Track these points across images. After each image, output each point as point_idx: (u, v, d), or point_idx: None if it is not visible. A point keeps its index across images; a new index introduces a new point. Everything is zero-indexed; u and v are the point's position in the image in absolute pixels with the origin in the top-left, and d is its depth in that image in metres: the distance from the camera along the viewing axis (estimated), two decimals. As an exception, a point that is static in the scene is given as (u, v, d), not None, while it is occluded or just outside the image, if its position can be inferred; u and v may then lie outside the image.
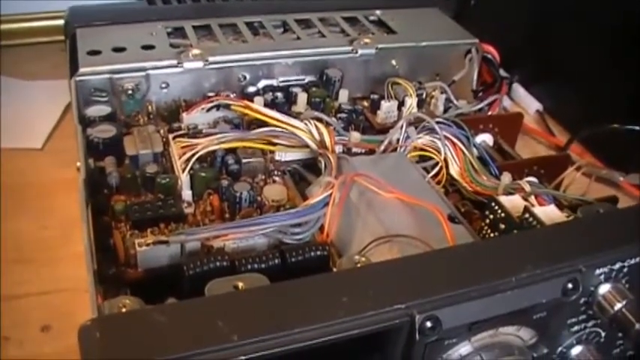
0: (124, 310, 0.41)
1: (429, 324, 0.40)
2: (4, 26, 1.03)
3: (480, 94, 0.78)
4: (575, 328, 0.48)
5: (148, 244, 0.49)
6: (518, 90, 0.96)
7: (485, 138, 0.69)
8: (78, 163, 0.55)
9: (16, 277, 0.64)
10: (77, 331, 0.36)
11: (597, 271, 0.45)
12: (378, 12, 0.82)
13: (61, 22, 0.96)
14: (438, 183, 0.62)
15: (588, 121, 0.82)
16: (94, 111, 0.64)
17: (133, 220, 0.53)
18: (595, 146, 0.83)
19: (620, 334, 0.50)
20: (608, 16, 0.82)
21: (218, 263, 0.47)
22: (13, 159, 0.80)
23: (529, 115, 0.92)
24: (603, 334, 0.49)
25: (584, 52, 0.86)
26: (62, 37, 0.93)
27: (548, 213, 0.53)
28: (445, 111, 0.73)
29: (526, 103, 0.94)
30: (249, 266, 0.47)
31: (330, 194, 0.53)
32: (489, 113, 0.75)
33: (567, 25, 0.89)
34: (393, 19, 0.81)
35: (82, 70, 0.65)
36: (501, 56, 0.81)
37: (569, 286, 0.44)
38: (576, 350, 0.49)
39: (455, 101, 0.73)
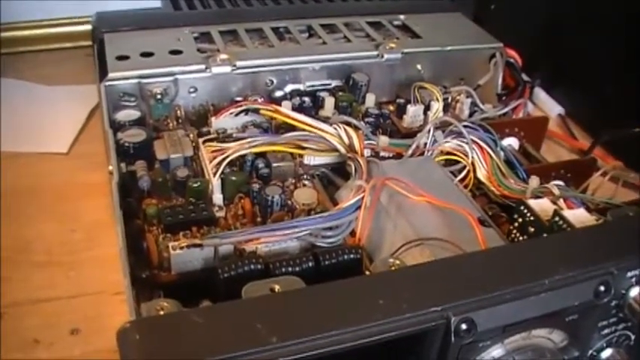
0: (161, 312, 0.41)
1: (464, 326, 0.40)
2: (24, 32, 1.04)
3: (504, 98, 0.78)
4: (606, 331, 0.48)
5: (181, 248, 0.50)
6: (540, 94, 0.95)
7: (511, 142, 0.69)
8: (110, 167, 0.56)
9: (45, 281, 0.64)
10: (111, 334, 0.37)
11: (629, 274, 0.45)
12: (402, 17, 0.83)
13: (80, 27, 0.98)
14: (465, 187, 0.62)
15: (610, 125, 0.82)
16: (124, 115, 0.64)
17: (166, 223, 0.54)
18: (618, 149, 0.82)
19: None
20: (629, 18, 0.81)
21: (252, 266, 0.47)
22: (40, 163, 0.80)
23: (551, 118, 0.92)
24: (633, 337, 0.49)
25: (605, 54, 0.85)
26: (83, 43, 0.94)
27: (578, 216, 0.52)
28: (470, 115, 0.73)
29: (548, 106, 0.94)
30: (283, 269, 0.47)
31: (362, 198, 0.53)
32: (522, 117, 0.76)
33: (587, 27, 0.89)
34: (417, 23, 0.81)
35: (111, 74, 0.66)
36: (523, 60, 0.81)
37: (601, 288, 0.44)
38: (606, 353, 0.49)
39: (481, 105, 0.73)
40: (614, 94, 0.84)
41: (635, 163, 0.79)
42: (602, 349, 0.49)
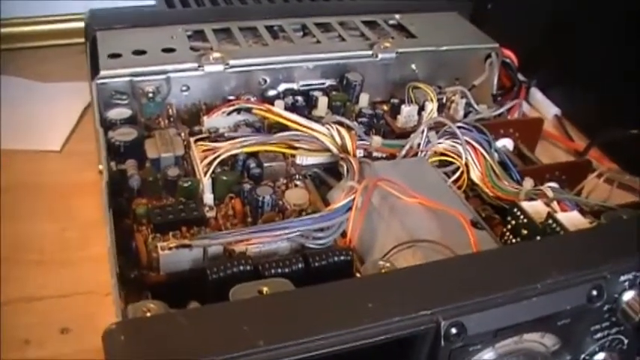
0: (148, 314, 0.41)
1: (454, 330, 0.40)
2: (19, 29, 1.04)
3: (499, 98, 0.78)
4: (599, 335, 0.48)
5: (170, 248, 0.49)
6: (536, 94, 0.96)
7: (506, 143, 0.69)
8: (100, 166, 0.56)
9: (37, 279, 0.64)
10: (101, 334, 0.37)
11: (622, 278, 0.45)
12: (397, 16, 0.82)
13: (74, 24, 0.97)
14: (459, 188, 0.62)
15: (606, 126, 0.82)
16: (115, 114, 0.64)
17: (155, 223, 0.53)
18: (613, 151, 0.83)
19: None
20: (627, 20, 0.81)
21: (241, 267, 0.47)
22: (32, 161, 0.80)
23: (547, 119, 0.92)
24: (626, 340, 0.49)
25: (602, 55, 0.86)
26: (77, 40, 0.94)
27: (571, 219, 0.52)
28: (465, 116, 0.73)
29: (544, 107, 0.94)
30: (272, 271, 0.47)
31: (353, 199, 0.53)
32: (508, 118, 0.75)
33: (584, 28, 0.89)
34: (413, 23, 0.81)
35: (103, 72, 0.66)
36: (519, 60, 0.81)
37: (594, 292, 0.44)
38: (599, 357, 0.49)
39: (475, 106, 0.73)
40: (612, 95, 0.84)
41: (631, 164, 0.79)
42: (594, 353, 0.49)
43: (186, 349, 0.36)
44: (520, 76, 0.82)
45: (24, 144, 0.82)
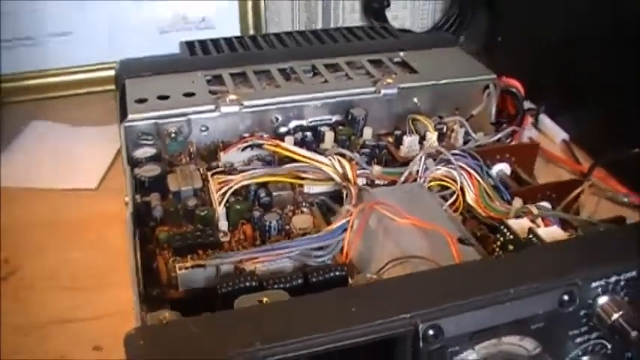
0: (164, 321, 0.46)
1: (431, 332, 0.44)
2: (54, 79, 1.13)
3: (504, 125, 0.81)
4: (579, 339, 0.51)
5: (187, 268, 0.55)
6: (545, 120, 0.98)
7: (503, 167, 0.73)
8: (126, 198, 0.61)
9: (71, 303, 0.70)
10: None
11: (593, 284, 0.49)
12: (401, 54, 0.86)
13: (102, 73, 1.06)
14: (456, 210, 0.66)
15: (613, 148, 0.84)
16: (141, 153, 0.70)
17: (175, 247, 0.59)
18: (619, 171, 0.85)
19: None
20: (634, 43, 0.84)
21: (247, 283, 0.52)
22: (71, 198, 0.87)
23: (555, 144, 0.96)
24: (609, 345, 0.52)
25: (608, 80, 0.88)
26: (104, 87, 1.01)
27: (551, 233, 0.56)
28: (465, 143, 0.76)
29: (553, 133, 0.97)
30: (275, 286, 0.52)
31: (348, 220, 0.58)
32: (512, 144, 0.79)
33: (590, 54, 0.91)
34: (415, 59, 0.85)
35: (130, 116, 0.72)
36: (528, 88, 0.83)
37: (565, 298, 0.47)
38: (584, 361, 0.52)
39: (472, 134, 0.76)
40: (619, 119, 0.86)
41: (636, 183, 0.82)
42: (578, 357, 0.52)
43: (195, 350, 0.42)
44: (530, 104, 0.85)
45: (63, 184, 0.89)
